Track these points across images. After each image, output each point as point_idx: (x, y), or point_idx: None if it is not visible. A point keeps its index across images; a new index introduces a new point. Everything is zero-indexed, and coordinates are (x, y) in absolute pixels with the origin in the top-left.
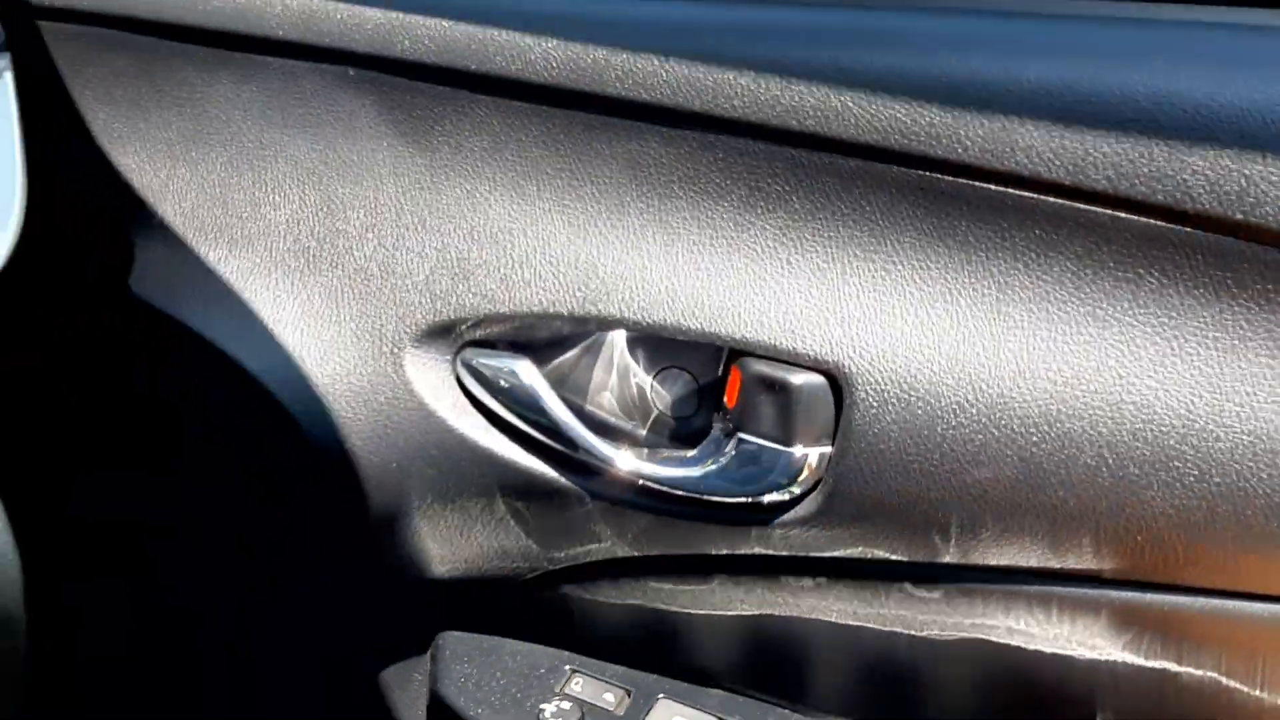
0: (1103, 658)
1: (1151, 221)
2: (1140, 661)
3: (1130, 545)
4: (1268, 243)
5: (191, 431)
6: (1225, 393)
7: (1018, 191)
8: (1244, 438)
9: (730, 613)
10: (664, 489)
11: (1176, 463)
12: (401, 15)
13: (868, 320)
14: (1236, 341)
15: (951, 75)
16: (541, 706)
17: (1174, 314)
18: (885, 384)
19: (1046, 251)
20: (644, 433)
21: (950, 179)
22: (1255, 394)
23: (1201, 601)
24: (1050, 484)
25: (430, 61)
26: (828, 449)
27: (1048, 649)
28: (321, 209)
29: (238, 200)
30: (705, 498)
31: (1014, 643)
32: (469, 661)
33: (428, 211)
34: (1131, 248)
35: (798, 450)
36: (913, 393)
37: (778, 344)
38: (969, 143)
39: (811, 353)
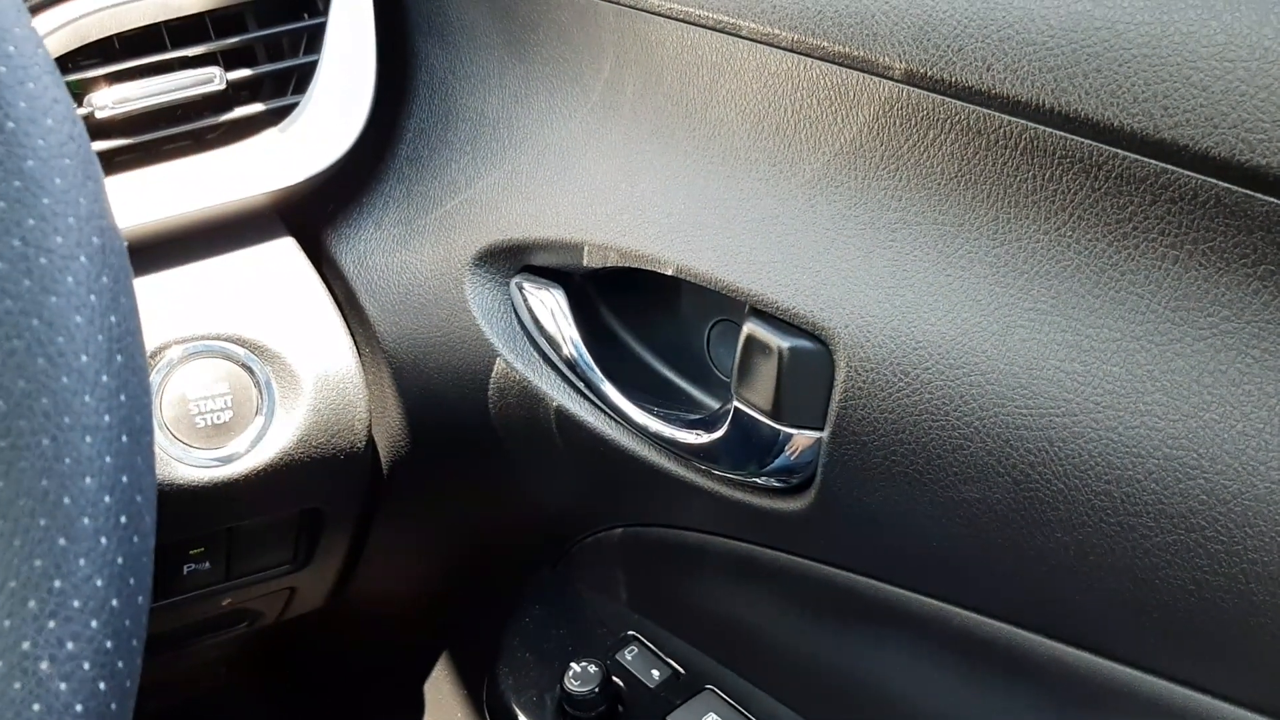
0: None
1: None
2: None
3: (1135, 622)
4: None
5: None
6: None
7: (1069, 135)
8: None
9: (769, 603)
10: (677, 451)
11: (1221, 531)
12: None
13: (870, 277)
14: None
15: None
16: (571, 664)
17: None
18: (878, 358)
19: (1089, 213)
20: (689, 387)
21: (986, 111)
22: None
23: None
24: (1046, 521)
25: None
26: (820, 434)
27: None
28: (440, 119)
29: (382, 107)
30: (713, 470)
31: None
32: (546, 605)
33: (515, 126)
34: (1212, 220)
35: (788, 430)
36: (906, 374)
37: (776, 299)
38: (1012, 70)
39: (806, 311)
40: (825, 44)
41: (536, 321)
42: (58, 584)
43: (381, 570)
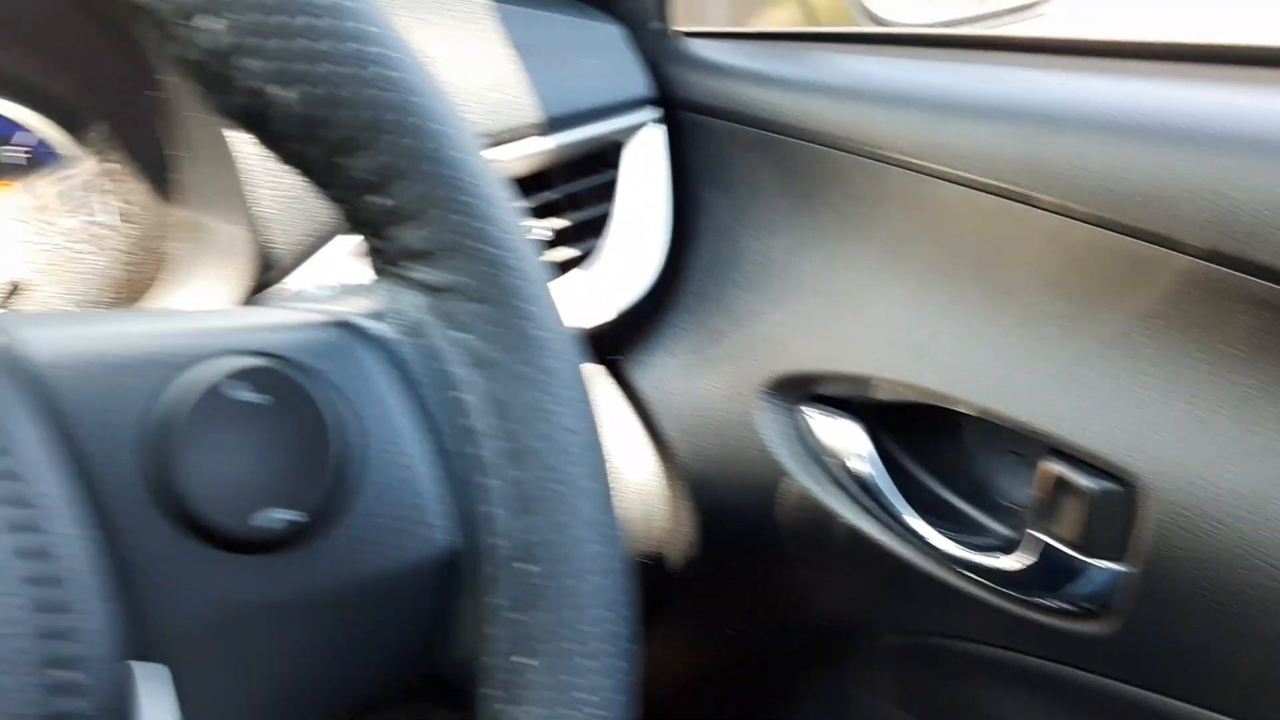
0: None
1: None
2: None
3: None
4: None
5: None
6: None
7: None
8: None
9: (1054, 715)
10: (973, 575)
11: None
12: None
13: (1173, 429)
14: None
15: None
16: None
17: None
18: (1182, 502)
19: None
20: (978, 514)
21: None
22: None
23: None
24: None
25: (826, 130)
26: (1124, 568)
27: None
28: (725, 261)
29: (672, 248)
30: (1006, 592)
31: None
32: (819, 703)
33: (801, 269)
34: None
35: (1090, 561)
36: (1209, 518)
37: (1080, 443)
38: None
39: (1109, 455)
40: (1124, 220)
41: (826, 446)
42: (581, 694)
43: (658, 662)
